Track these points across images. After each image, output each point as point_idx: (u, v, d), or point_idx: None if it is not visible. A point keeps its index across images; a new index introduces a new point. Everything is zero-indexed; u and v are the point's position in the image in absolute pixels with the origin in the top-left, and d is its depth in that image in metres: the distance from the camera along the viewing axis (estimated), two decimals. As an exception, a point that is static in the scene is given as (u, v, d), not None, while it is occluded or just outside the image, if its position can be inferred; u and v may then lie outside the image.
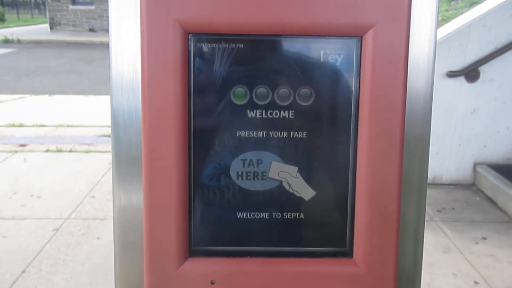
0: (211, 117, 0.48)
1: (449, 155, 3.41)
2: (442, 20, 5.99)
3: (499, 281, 2.26)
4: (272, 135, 0.49)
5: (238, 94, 0.48)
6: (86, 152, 4.10)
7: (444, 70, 3.17)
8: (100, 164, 3.81)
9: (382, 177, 0.47)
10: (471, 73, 3.20)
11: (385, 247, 0.48)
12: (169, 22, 0.43)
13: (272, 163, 0.49)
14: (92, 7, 18.34)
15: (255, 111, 0.48)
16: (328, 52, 0.47)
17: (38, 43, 14.46)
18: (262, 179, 0.50)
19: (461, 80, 3.23)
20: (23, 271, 2.29)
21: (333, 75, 0.48)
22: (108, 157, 3.96)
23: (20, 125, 4.90)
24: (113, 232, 0.56)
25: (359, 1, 0.44)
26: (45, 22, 21.11)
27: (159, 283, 0.48)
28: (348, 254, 0.50)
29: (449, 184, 3.44)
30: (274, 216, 0.50)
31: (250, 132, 0.49)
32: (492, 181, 3.21)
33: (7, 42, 14.56)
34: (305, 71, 0.48)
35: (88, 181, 3.46)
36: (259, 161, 0.49)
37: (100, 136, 4.55)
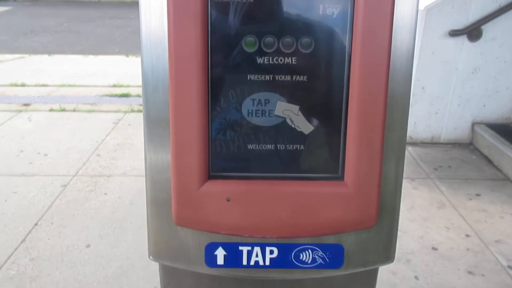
0: (226, 62, 0.56)
1: (448, 114, 3.45)
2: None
3: (489, 234, 2.37)
4: (278, 78, 0.56)
5: (249, 43, 0.55)
6: (90, 111, 4.15)
7: (447, 29, 3.14)
8: (104, 124, 3.86)
9: (370, 115, 0.55)
10: (473, 32, 3.17)
11: (370, 172, 0.57)
12: None
13: (278, 102, 0.57)
14: (88, -36, 17.78)
15: (263, 58, 0.56)
16: (326, 6, 0.54)
17: (34, 1, 14.14)
18: (269, 116, 0.58)
19: (463, 39, 3.21)
20: (36, 224, 2.40)
21: (330, 27, 0.55)
22: (112, 116, 4.02)
23: (23, 85, 4.91)
24: (145, 187, 0.64)
25: None
26: (40, -20, 20.51)
27: (183, 200, 0.57)
28: (340, 178, 0.59)
29: (447, 143, 3.50)
30: (278, 148, 0.59)
31: (259, 76, 0.56)
32: (489, 140, 3.26)
33: None
34: (306, 22, 0.55)
35: (93, 140, 3.53)
36: (267, 101, 0.57)
37: (102, 96, 4.58)
